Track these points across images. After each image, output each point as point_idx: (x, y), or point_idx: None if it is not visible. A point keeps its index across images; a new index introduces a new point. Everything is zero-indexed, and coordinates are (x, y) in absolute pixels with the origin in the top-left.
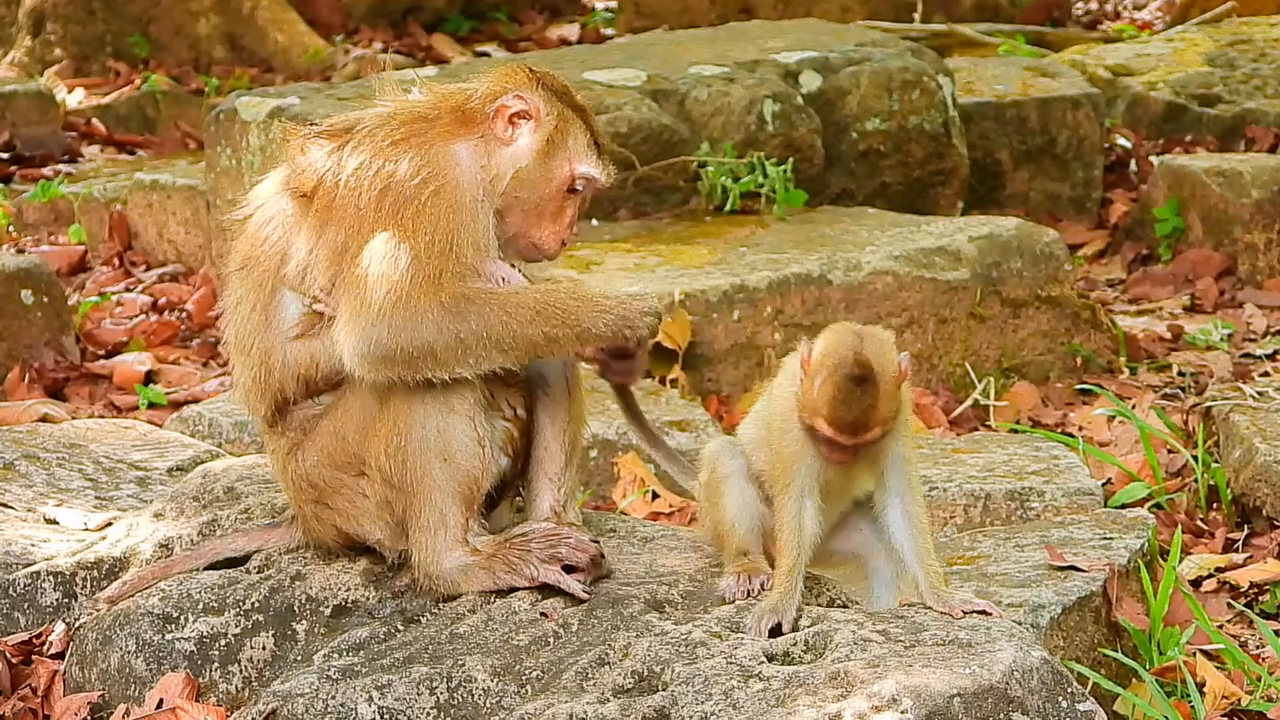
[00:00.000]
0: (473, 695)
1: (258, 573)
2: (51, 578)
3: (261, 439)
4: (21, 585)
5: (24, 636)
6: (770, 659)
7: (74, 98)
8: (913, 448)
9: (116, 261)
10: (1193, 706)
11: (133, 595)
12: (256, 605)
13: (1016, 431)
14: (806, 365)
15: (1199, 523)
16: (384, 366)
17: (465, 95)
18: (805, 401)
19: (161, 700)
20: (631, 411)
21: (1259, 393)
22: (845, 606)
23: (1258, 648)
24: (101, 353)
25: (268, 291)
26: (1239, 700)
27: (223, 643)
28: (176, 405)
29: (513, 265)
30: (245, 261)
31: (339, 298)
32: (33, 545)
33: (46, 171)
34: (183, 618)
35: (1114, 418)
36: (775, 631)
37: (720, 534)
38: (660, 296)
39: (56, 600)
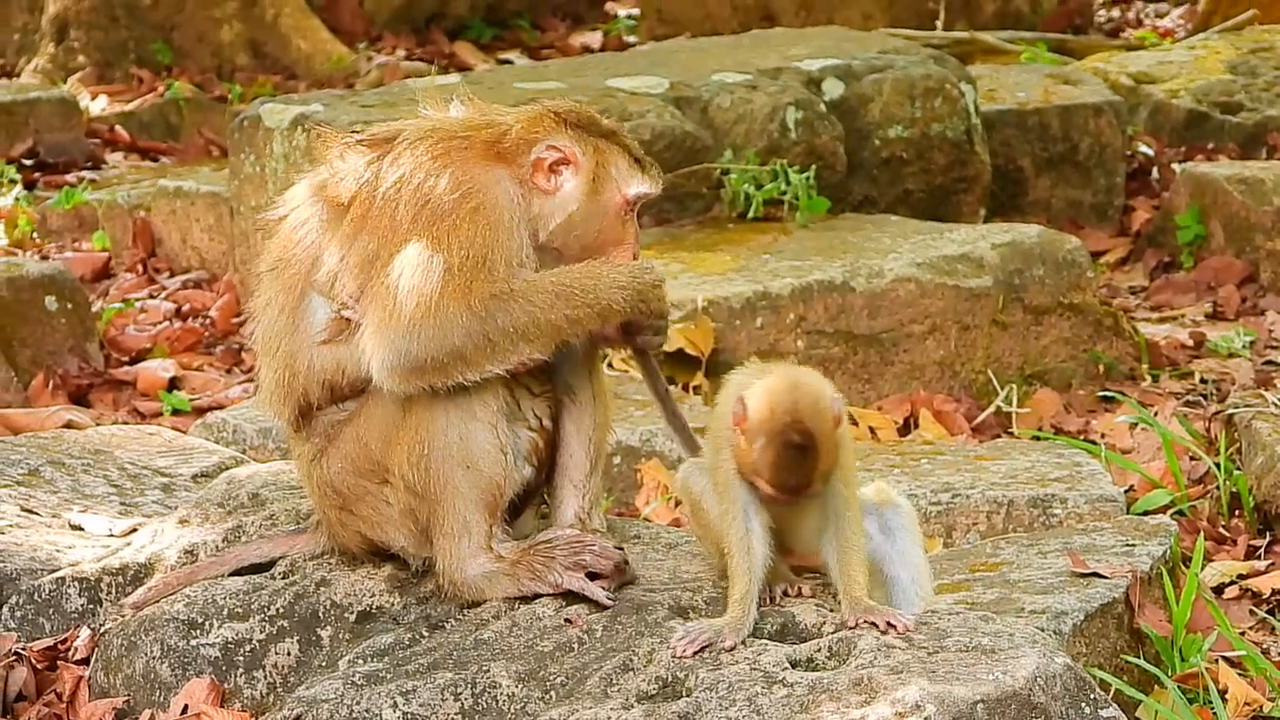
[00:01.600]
0: (497, 701)
1: (283, 579)
2: (77, 583)
3: (287, 444)
4: (47, 591)
5: (49, 642)
6: (794, 665)
7: (97, 104)
8: (850, 475)
9: (140, 268)
10: (1215, 713)
11: (158, 601)
12: (281, 611)
13: (1039, 438)
14: (743, 425)
15: (1221, 530)
16: (414, 378)
17: (499, 132)
18: (744, 461)
19: (186, 706)
20: (653, 384)
21: None
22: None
23: None
24: (125, 359)
25: (297, 294)
26: (1261, 707)
27: (248, 648)
28: (200, 411)
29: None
30: (276, 263)
31: (367, 307)
32: (58, 551)
33: (70, 178)
34: (208, 623)
35: (1136, 425)
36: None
37: (718, 550)
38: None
39: (82, 606)
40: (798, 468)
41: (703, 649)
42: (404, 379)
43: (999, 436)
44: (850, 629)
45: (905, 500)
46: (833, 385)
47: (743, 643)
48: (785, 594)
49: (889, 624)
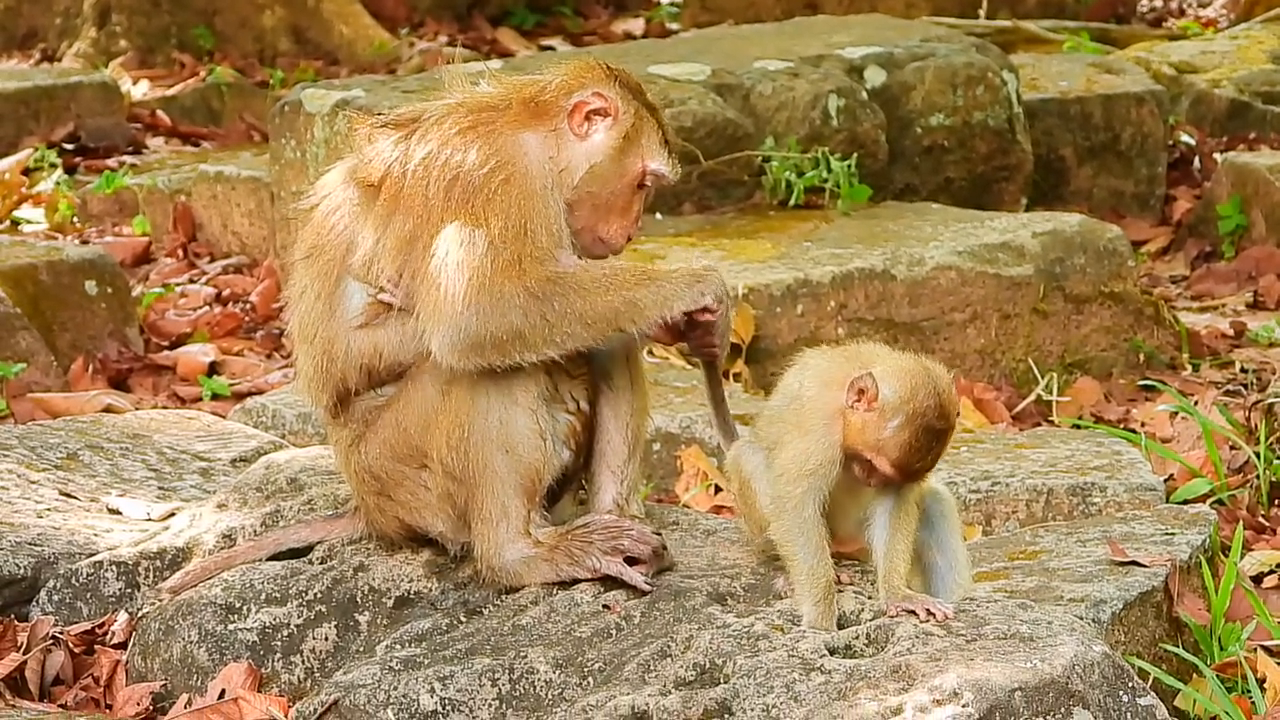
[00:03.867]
0: (534, 687)
1: (320, 564)
2: (114, 567)
3: (325, 430)
4: (84, 575)
5: (87, 626)
6: (832, 652)
7: (139, 89)
8: None
9: (180, 253)
10: (1253, 702)
11: (195, 585)
12: (319, 596)
13: (1079, 427)
14: (871, 402)
15: (1260, 519)
16: (474, 354)
17: (539, 87)
18: (868, 438)
19: (224, 690)
20: (713, 392)
21: None
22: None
23: None
24: (165, 344)
25: (333, 280)
26: None
27: (285, 633)
28: (240, 397)
29: (578, 258)
30: (311, 250)
31: (416, 291)
32: (96, 535)
33: (111, 163)
34: (245, 608)
35: (1176, 414)
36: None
37: (761, 529)
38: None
39: (119, 590)
40: (929, 451)
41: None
42: (464, 356)
43: (1039, 425)
44: (891, 618)
45: (945, 488)
46: None
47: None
48: None
49: (929, 612)
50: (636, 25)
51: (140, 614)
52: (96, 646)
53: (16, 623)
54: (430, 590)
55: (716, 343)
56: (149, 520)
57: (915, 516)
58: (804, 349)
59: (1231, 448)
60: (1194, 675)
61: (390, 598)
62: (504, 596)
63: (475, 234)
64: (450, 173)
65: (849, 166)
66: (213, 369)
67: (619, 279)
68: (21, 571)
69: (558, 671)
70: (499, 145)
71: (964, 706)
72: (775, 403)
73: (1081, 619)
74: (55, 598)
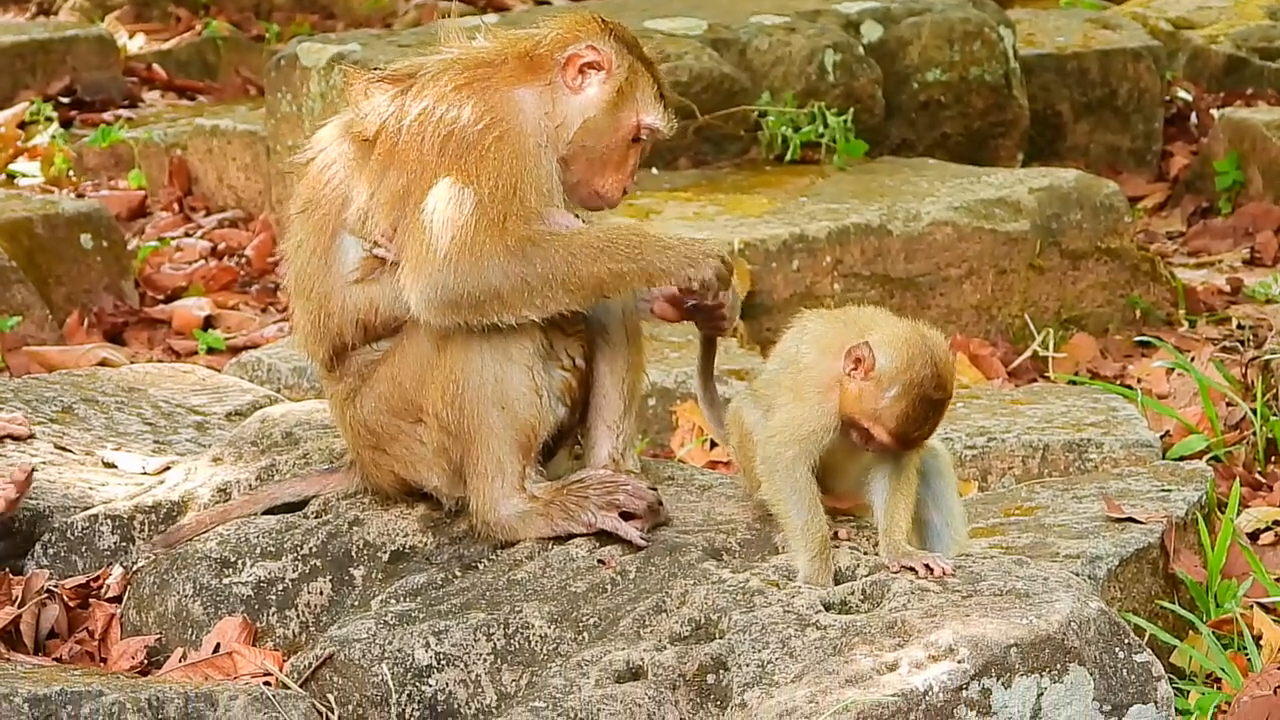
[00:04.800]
0: (529, 641)
1: (316, 518)
2: (109, 521)
3: (321, 384)
4: (79, 528)
5: (81, 580)
6: (827, 608)
7: (135, 43)
8: None
9: (176, 207)
10: (1249, 659)
11: (190, 539)
12: (314, 550)
13: (1075, 383)
14: (868, 371)
15: (1257, 475)
16: (450, 312)
17: (534, 41)
18: (864, 407)
19: (218, 644)
20: (703, 364)
21: None
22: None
23: None
24: (160, 298)
25: (328, 235)
26: None
27: (280, 587)
28: (235, 350)
29: (575, 214)
30: (306, 204)
31: (403, 244)
32: (91, 489)
33: (107, 116)
34: (240, 562)
35: (1173, 370)
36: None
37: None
38: (725, 244)
39: (114, 544)
40: (926, 421)
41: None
42: (440, 313)
43: (1035, 381)
44: (893, 574)
45: (941, 445)
46: None
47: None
48: None
49: (927, 567)
50: None
51: (135, 568)
52: (91, 600)
53: (11, 576)
54: (425, 545)
55: (721, 325)
56: (144, 474)
57: (916, 475)
58: (802, 310)
59: (1228, 404)
60: (1190, 632)
61: (385, 552)
62: (499, 551)
63: (464, 191)
64: (445, 129)
65: (845, 122)
66: (208, 323)
67: (611, 248)
68: (17, 525)
69: (553, 626)
70: (494, 102)
71: (959, 662)
72: (772, 366)
73: (1077, 575)
74: (50, 551)
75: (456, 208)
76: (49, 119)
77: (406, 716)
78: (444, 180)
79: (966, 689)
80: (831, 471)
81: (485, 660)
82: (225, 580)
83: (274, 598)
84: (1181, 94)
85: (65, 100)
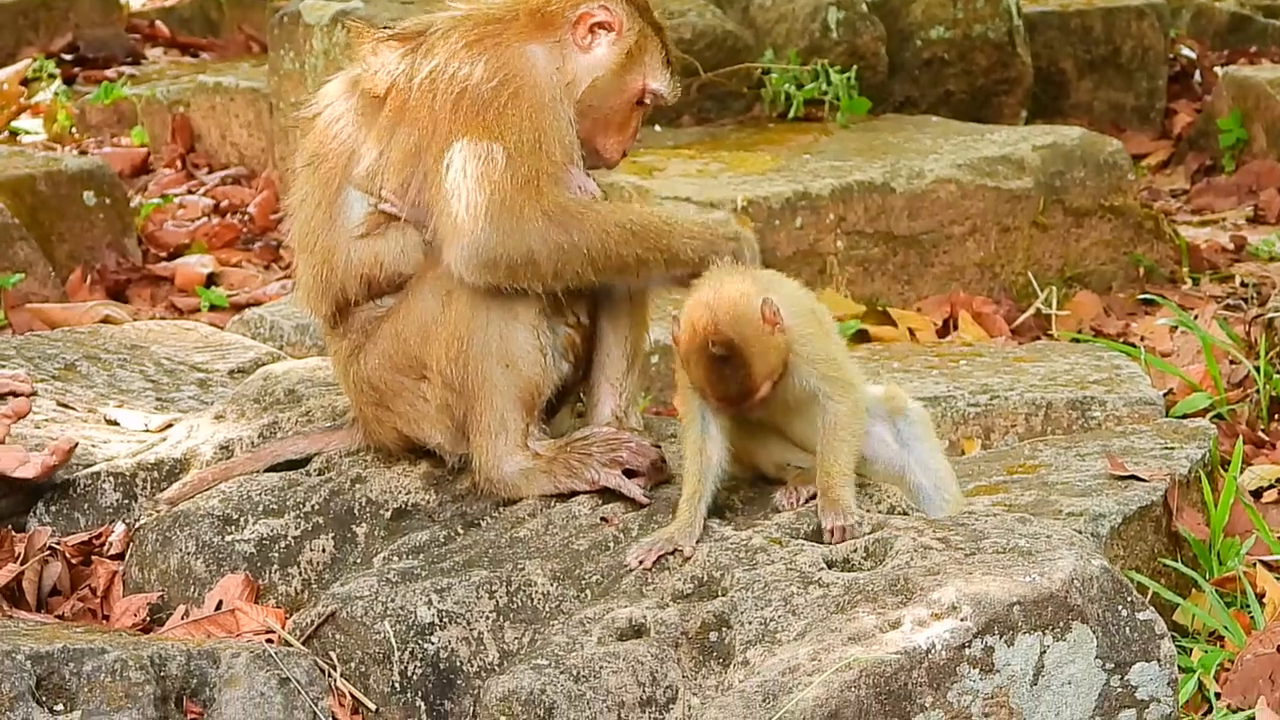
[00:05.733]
0: (532, 599)
1: (318, 475)
2: (112, 478)
3: (324, 341)
4: (82, 486)
5: (84, 537)
6: (830, 565)
7: (137, 0)
8: (829, 366)
9: (179, 164)
10: (1252, 617)
11: (193, 497)
12: (317, 508)
13: (1078, 341)
14: (678, 344)
15: (1260, 433)
16: (486, 272)
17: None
18: (687, 378)
19: (221, 601)
20: None
21: None
22: (905, 514)
23: None
24: (163, 255)
25: (334, 189)
26: None
27: (282, 545)
28: (238, 308)
29: (588, 174)
30: (312, 158)
31: (432, 204)
32: (93, 446)
33: (110, 73)
34: (243, 519)
35: (1176, 328)
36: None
37: None
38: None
39: (116, 501)
40: (728, 378)
41: (660, 558)
42: (477, 272)
43: (1038, 338)
44: (831, 542)
45: (916, 405)
46: (795, 284)
47: (695, 545)
48: (812, 496)
49: (831, 530)
50: None
51: (138, 525)
52: (94, 557)
53: (14, 533)
54: (428, 502)
55: None
56: (147, 431)
57: (845, 416)
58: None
59: (1231, 362)
60: (1193, 590)
61: (388, 509)
62: (502, 509)
63: (492, 148)
64: (457, 86)
65: (849, 79)
66: (211, 280)
67: (642, 233)
68: (19, 482)
69: (555, 584)
70: (506, 58)
71: (962, 620)
72: None
73: (1080, 533)
74: (53, 508)
75: (488, 165)
76: (52, 76)
77: (409, 674)
78: (466, 138)
79: (969, 647)
80: (792, 432)
81: (488, 618)
82: (228, 537)
83: (276, 555)
84: (1185, 51)
85: (68, 57)
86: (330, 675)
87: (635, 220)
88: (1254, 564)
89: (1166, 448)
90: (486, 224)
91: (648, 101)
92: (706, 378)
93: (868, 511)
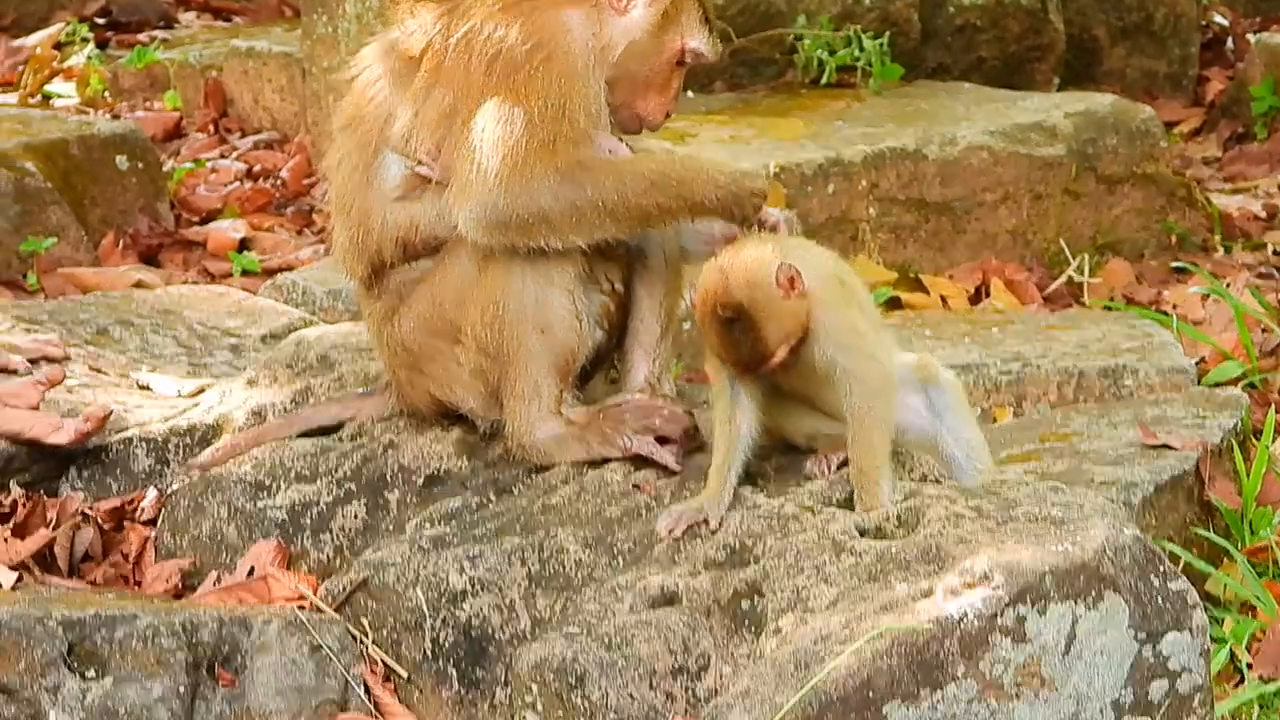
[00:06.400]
0: (564, 566)
1: (350, 441)
2: (144, 444)
3: (358, 303)
4: (114, 451)
5: (116, 502)
6: (862, 534)
7: None
8: (850, 335)
9: (212, 128)
10: None
11: (225, 462)
12: (349, 474)
13: (1110, 309)
14: (694, 308)
15: None
16: (497, 232)
17: None
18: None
19: (253, 568)
20: None
21: None
22: (938, 482)
23: None
24: (196, 219)
25: (371, 151)
26: None
27: (314, 511)
28: (270, 273)
29: (619, 138)
30: (350, 120)
31: (451, 163)
32: (126, 411)
33: (143, 37)
34: (275, 485)
35: (1208, 296)
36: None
37: None
38: (765, 174)
39: (149, 466)
40: (739, 342)
41: (689, 528)
42: (487, 233)
43: (1070, 306)
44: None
45: (948, 374)
46: (825, 252)
47: (723, 516)
48: (843, 463)
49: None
50: None
51: (170, 491)
52: (126, 523)
53: (46, 499)
54: (460, 469)
55: None
56: (179, 396)
57: (866, 384)
58: None
59: (1263, 330)
60: (1225, 559)
61: (420, 476)
62: (534, 475)
63: (514, 111)
64: (492, 48)
65: (881, 45)
66: (243, 245)
67: (663, 181)
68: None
69: (587, 551)
70: (541, 22)
71: (995, 589)
72: None
73: (1112, 502)
74: (85, 474)
75: (506, 128)
76: (85, 40)
77: (441, 641)
78: (493, 100)
79: (1001, 616)
80: (821, 401)
81: (520, 585)
82: (260, 504)
83: (308, 521)
84: (1217, 18)
85: (101, 21)
86: (362, 642)
87: (655, 169)
88: None
89: (1199, 416)
90: (496, 185)
91: (688, 61)
92: (719, 341)
93: (900, 480)
